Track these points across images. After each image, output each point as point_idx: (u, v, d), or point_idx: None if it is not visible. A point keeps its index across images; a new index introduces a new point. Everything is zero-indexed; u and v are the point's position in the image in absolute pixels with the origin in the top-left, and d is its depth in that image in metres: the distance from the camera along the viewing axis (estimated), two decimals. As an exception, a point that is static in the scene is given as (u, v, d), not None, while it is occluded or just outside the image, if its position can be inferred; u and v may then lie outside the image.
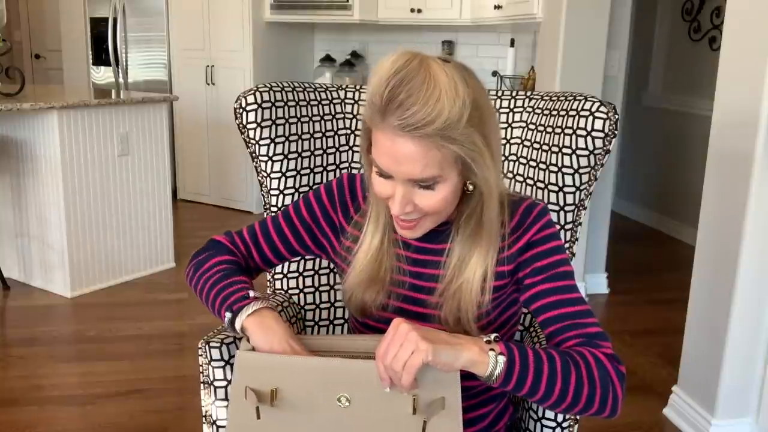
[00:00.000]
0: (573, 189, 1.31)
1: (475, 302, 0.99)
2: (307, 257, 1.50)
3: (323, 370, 0.92)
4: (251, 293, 1.02)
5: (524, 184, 1.40)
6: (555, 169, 1.32)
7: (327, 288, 1.52)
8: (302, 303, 1.49)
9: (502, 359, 0.87)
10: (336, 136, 1.51)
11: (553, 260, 1.00)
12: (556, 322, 0.97)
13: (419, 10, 4.49)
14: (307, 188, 1.46)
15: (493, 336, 0.91)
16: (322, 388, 0.92)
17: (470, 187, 0.95)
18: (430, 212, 0.94)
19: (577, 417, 1.16)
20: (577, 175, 1.30)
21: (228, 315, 1.00)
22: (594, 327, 0.97)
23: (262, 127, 1.40)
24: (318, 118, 1.48)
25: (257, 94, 1.39)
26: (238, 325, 0.99)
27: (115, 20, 5.14)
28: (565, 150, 1.29)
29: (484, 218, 0.97)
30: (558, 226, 1.04)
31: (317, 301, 1.51)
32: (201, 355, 1.21)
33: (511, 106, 1.46)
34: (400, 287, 1.06)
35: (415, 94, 0.84)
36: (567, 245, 1.32)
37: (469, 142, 0.88)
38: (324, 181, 1.49)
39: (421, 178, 0.90)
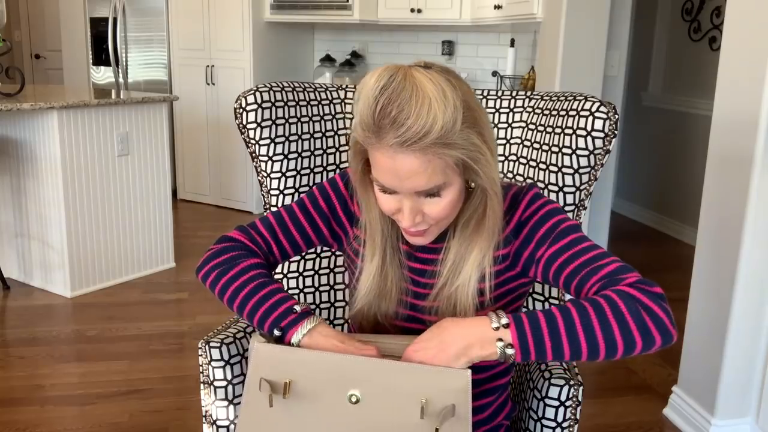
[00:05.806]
0: (573, 189, 1.31)
1: (473, 305, 0.99)
2: (307, 257, 1.50)
3: (336, 365, 0.92)
4: (297, 308, 0.99)
5: (524, 184, 1.40)
6: (555, 169, 1.32)
7: (327, 288, 1.52)
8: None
9: (510, 351, 0.87)
10: (336, 136, 1.51)
11: (551, 224, 0.99)
12: (575, 275, 0.95)
13: (419, 10, 4.49)
14: (307, 188, 1.46)
15: (503, 322, 0.88)
16: (334, 383, 0.92)
17: (472, 184, 0.95)
18: (440, 219, 0.95)
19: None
20: (577, 175, 1.30)
21: (277, 333, 0.98)
22: (612, 264, 0.93)
23: (262, 127, 1.40)
24: (318, 118, 1.48)
25: (257, 94, 1.39)
26: (294, 342, 0.97)
27: (115, 20, 5.14)
28: (565, 150, 1.29)
29: (488, 215, 0.96)
30: (547, 198, 1.03)
31: (317, 301, 1.51)
32: (201, 355, 1.21)
33: (511, 106, 1.46)
34: (406, 295, 1.06)
35: (406, 108, 0.84)
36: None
37: (468, 143, 0.89)
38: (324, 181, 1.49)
39: (426, 188, 0.90)
